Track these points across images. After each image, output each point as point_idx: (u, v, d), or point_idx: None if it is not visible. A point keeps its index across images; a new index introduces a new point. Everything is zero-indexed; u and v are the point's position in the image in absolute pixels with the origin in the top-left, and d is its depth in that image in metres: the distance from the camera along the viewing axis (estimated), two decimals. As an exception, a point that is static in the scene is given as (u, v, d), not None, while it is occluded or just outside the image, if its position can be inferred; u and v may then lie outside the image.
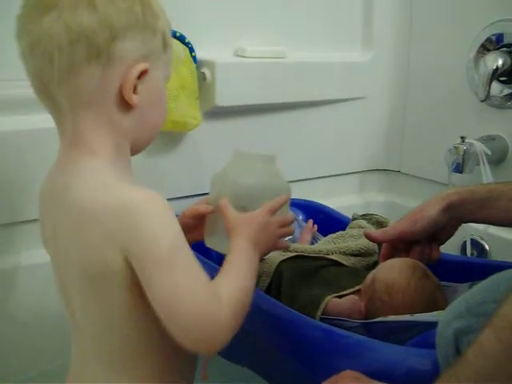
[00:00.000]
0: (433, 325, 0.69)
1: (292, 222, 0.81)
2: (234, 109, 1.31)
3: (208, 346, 0.63)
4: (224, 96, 1.24)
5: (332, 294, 0.91)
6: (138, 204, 0.62)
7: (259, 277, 1.03)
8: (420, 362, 0.68)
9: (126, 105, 0.66)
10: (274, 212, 0.77)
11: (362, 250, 1.07)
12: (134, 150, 0.72)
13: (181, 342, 0.62)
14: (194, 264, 0.64)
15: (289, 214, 0.83)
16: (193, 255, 0.65)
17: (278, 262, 1.02)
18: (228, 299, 0.64)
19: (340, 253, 1.06)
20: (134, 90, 0.65)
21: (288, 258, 1.03)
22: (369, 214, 1.20)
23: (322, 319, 0.87)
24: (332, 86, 1.46)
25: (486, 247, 1.33)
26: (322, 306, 0.88)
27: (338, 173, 1.56)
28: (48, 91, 0.65)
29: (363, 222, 1.16)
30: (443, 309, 0.80)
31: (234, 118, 1.33)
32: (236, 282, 0.67)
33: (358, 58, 1.53)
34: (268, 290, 1.01)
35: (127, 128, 0.68)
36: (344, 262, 1.05)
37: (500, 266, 0.94)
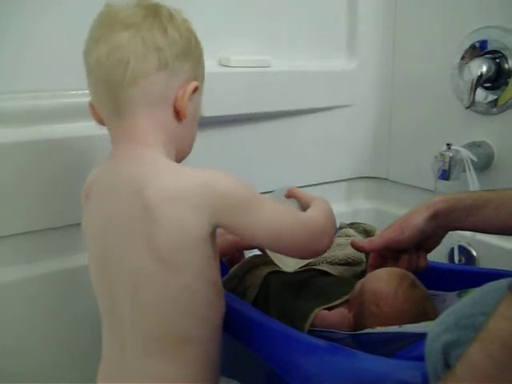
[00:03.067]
0: (421, 336, 0.69)
1: None
2: (220, 119, 1.30)
3: (317, 247, 0.80)
4: (209, 106, 1.23)
5: (320, 305, 0.90)
6: (210, 176, 0.74)
7: (246, 289, 1.02)
8: (410, 374, 0.67)
9: (177, 114, 0.79)
10: None
11: (350, 260, 1.06)
12: (179, 157, 0.85)
13: (296, 254, 0.82)
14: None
15: None
16: None
17: (265, 273, 1.01)
18: (317, 212, 0.81)
19: (327, 263, 1.06)
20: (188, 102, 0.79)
21: (275, 270, 1.02)
22: (356, 223, 1.20)
23: (310, 331, 0.86)
24: (317, 94, 1.46)
25: (474, 253, 1.33)
26: (311, 318, 0.87)
27: (325, 181, 1.56)
28: (113, 94, 0.75)
29: (350, 231, 1.15)
30: (433, 319, 0.80)
31: (220, 129, 1.32)
32: (320, 205, 0.84)
33: (343, 66, 1.53)
34: (255, 303, 0.99)
35: (176, 135, 0.80)
36: (331, 272, 1.04)
37: (488, 273, 0.94)
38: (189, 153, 0.88)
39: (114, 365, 0.82)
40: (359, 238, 1.10)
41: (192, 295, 0.76)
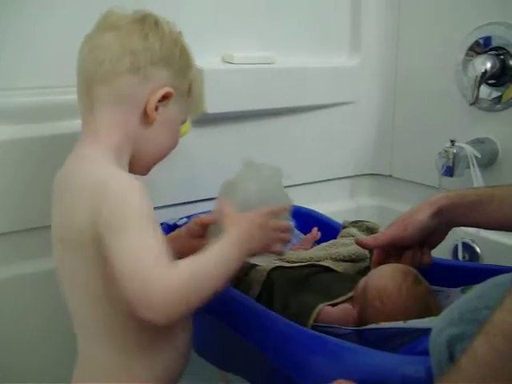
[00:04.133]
0: (426, 331, 0.69)
1: (289, 229, 0.86)
2: (224, 115, 1.30)
3: (152, 313, 0.67)
4: (213, 103, 1.23)
5: (325, 301, 0.90)
6: (117, 179, 0.74)
7: (250, 285, 1.02)
8: (414, 369, 0.67)
9: (145, 118, 0.81)
10: (273, 216, 0.82)
11: (353, 256, 1.06)
12: (135, 166, 0.85)
13: (130, 306, 0.67)
14: (152, 237, 0.70)
15: (288, 222, 0.88)
16: (157, 234, 0.72)
17: (268, 269, 1.01)
18: (185, 275, 0.69)
19: (331, 259, 1.06)
20: (156, 109, 0.81)
21: (279, 266, 1.02)
22: (359, 221, 1.19)
23: (314, 327, 0.86)
24: (320, 91, 1.45)
25: (478, 250, 1.33)
26: (314, 314, 0.87)
27: (329, 178, 1.56)
28: (88, 88, 0.80)
29: (354, 230, 1.15)
30: (436, 314, 0.80)
31: (224, 125, 1.32)
32: (203, 265, 0.72)
33: (346, 63, 1.53)
34: (259, 298, 1.00)
35: (137, 138, 0.82)
36: (335, 268, 1.04)
37: (491, 270, 0.94)
38: (158, 160, 0.89)
39: (81, 358, 0.83)
40: (363, 236, 1.10)
41: (103, 289, 0.75)
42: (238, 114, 1.33)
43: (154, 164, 0.89)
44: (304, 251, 1.12)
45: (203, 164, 1.30)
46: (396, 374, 0.69)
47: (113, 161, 0.78)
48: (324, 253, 1.07)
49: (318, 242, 1.20)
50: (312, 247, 1.18)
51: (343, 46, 1.52)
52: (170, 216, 1.25)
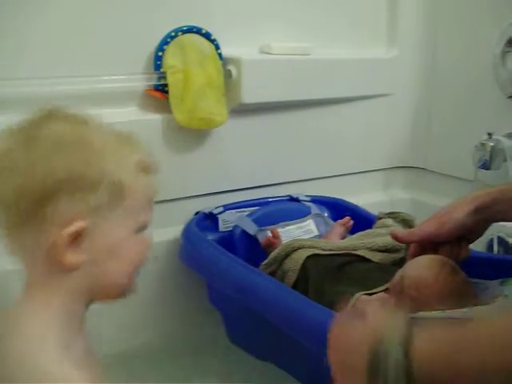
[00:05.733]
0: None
1: None
2: (260, 106, 1.31)
3: None
4: (250, 93, 1.24)
5: (361, 291, 0.90)
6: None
7: (285, 273, 1.03)
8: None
9: (63, 267, 0.60)
10: None
11: (389, 246, 1.06)
12: (103, 299, 0.66)
13: None
14: None
15: None
16: None
17: (304, 257, 1.02)
18: None
19: (366, 248, 1.06)
20: (75, 248, 0.59)
21: (314, 254, 1.03)
22: (395, 213, 1.19)
23: (351, 315, 0.87)
24: (357, 82, 1.45)
25: (513, 244, 1.32)
26: (352, 302, 0.87)
27: (363, 170, 1.56)
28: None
29: (389, 221, 1.15)
30: (474, 305, 0.80)
31: (260, 115, 1.33)
32: None
33: (383, 55, 1.53)
34: (294, 286, 1.01)
35: (74, 286, 0.61)
36: (371, 258, 1.04)
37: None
38: (123, 291, 0.65)
39: None
40: (399, 229, 1.10)
41: None
42: (274, 105, 1.34)
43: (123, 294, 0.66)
44: (339, 241, 1.13)
45: (239, 154, 1.31)
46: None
47: (65, 325, 0.60)
48: (359, 242, 1.07)
49: (352, 232, 1.21)
50: (346, 237, 1.19)
51: (381, 37, 1.52)
52: (207, 205, 1.26)
